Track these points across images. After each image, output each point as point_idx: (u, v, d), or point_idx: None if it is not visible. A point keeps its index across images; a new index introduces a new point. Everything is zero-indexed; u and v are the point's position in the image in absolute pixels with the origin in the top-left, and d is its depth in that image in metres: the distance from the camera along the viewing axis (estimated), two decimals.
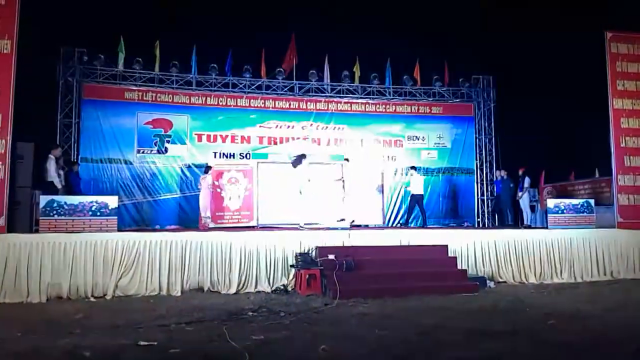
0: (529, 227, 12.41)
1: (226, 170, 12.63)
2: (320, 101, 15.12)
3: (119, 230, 9.01)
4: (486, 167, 15.78)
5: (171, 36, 14.35)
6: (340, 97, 15.25)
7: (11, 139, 8.53)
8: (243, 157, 14.19)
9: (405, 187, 13.69)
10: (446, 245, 9.63)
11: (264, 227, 11.52)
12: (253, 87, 14.62)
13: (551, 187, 15.63)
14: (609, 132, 11.44)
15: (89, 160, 13.16)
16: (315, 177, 11.16)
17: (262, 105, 14.75)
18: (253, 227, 11.88)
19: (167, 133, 13.96)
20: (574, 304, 7.74)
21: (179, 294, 8.40)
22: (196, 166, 13.85)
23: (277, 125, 14.78)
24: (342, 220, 11.16)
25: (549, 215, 10.97)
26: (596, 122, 12.44)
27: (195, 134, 14.19)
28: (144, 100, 13.92)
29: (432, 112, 15.78)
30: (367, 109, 15.45)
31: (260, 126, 14.66)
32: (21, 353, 4.93)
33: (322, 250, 8.86)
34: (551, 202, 11.16)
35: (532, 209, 14.19)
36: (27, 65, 9.09)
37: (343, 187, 11.80)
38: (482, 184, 15.76)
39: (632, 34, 11.73)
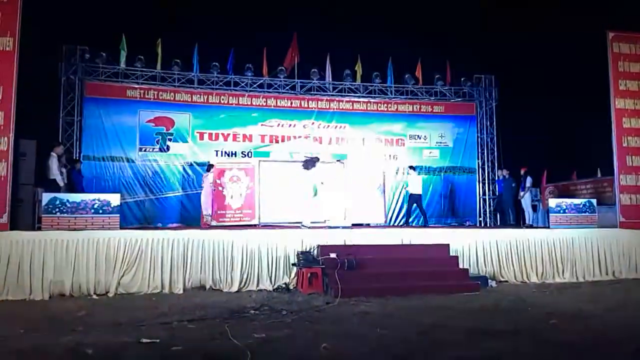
0: (531, 226, 12.40)
1: (228, 168, 12.62)
2: (322, 100, 15.13)
3: (121, 228, 9.01)
4: (488, 166, 15.78)
5: (173, 34, 14.36)
6: (341, 95, 15.25)
7: (13, 136, 8.54)
8: (245, 155, 14.23)
9: (405, 187, 13.69)
10: (448, 245, 9.63)
11: (266, 226, 11.52)
12: (255, 85, 14.63)
13: (553, 187, 15.62)
14: (611, 132, 11.42)
15: (91, 158, 13.19)
16: (326, 178, 11.15)
17: (264, 104, 14.76)
18: (255, 225, 11.88)
19: (169, 131, 13.98)
20: (575, 303, 7.73)
21: (181, 291, 8.42)
22: (198, 164, 13.88)
23: (278, 124, 14.79)
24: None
25: (550, 214, 10.96)
26: (598, 121, 12.42)
27: (197, 132, 14.21)
28: (146, 98, 13.94)
29: (434, 111, 15.78)
30: (368, 108, 15.46)
31: (262, 125, 14.68)
32: (24, 350, 4.94)
33: (324, 249, 8.86)
34: (553, 202, 11.15)
35: (534, 208, 14.17)
36: (29, 63, 9.09)
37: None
38: (483, 184, 15.76)
39: (634, 34, 11.71)
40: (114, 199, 8.84)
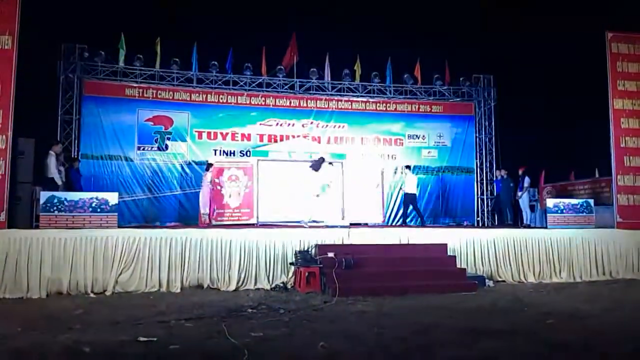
0: (529, 226, 12.43)
1: (226, 167, 12.63)
2: (321, 99, 15.13)
3: (119, 226, 9.02)
4: (486, 166, 15.80)
5: (172, 33, 14.38)
6: (340, 95, 15.26)
7: (12, 134, 8.56)
8: (243, 154, 14.22)
9: (401, 186, 13.71)
10: (445, 244, 9.65)
11: (264, 225, 11.52)
12: (254, 84, 14.62)
13: (551, 187, 15.64)
14: (609, 132, 11.45)
15: (89, 157, 13.17)
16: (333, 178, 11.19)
17: (263, 103, 14.76)
18: (253, 224, 11.88)
19: (168, 130, 13.97)
20: (572, 303, 7.75)
21: (179, 290, 8.43)
22: (196, 163, 13.87)
23: (277, 123, 14.79)
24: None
25: (548, 214, 10.99)
26: (596, 122, 12.45)
27: (196, 131, 14.20)
28: (145, 97, 13.92)
29: (433, 110, 15.78)
30: (367, 108, 15.46)
31: (260, 124, 14.67)
32: (21, 348, 4.94)
33: (322, 248, 8.88)
34: (551, 202, 11.18)
35: (532, 208, 14.20)
36: (28, 62, 9.10)
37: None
38: (482, 183, 15.78)
39: (633, 34, 11.73)
40: (112, 198, 8.85)
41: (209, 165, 12.13)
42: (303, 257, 8.69)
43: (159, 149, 13.84)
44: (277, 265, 8.99)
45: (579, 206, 11.07)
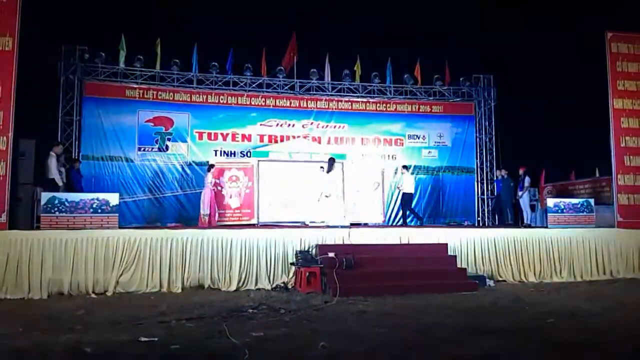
0: (529, 226, 12.43)
1: (227, 168, 12.66)
2: (321, 100, 15.14)
3: (120, 227, 9.03)
4: (486, 166, 15.80)
5: (172, 34, 14.38)
6: (340, 95, 15.26)
7: (13, 136, 8.57)
8: (244, 155, 14.23)
9: (397, 186, 13.73)
10: (446, 244, 9.66)
11: (265, 225, 11.54)
12: (254, 85, 14.63)
13: (551, 187, 15.64)
14: (609, 131, 11.46)
15: (90, 158, 13.19)
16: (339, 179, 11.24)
17: (263, 104, 14.76)
18: (253, 225, 11.90)
19: (168, 131, 13.98)
20: (573, 302, 7.76)
21: (180, 290, 8.44)
22: (197, 164, 13.89)
23: (277, 124, 14.80)
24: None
25: (548, 214, 10.99)
26: (597, 121, 12.46)
27: (196, 132, 14.22)
28: (145, 98, 13.94)
29: (433, 111, 15.79)
30: (367, 108, 15.46)
31: (260, 124, 14.68)
32: (23, 349, 4.94)
33: (322, 248, 8.89)
34: (551, 202, 11.18)
35: (532, 208, 14.19)
36: (28, 63, 9.11)
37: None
38: (482, 183, 15.78)
39: (633, 34, 11.75)
40: (113, 199, 8.86)
41: (211, 166, 12.16)
42: (304, 257, 8.70)
43: (159, 149, 13.86)
44: (277, 265, 9.00)
45: (579, 206, 11.07)
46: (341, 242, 9.34)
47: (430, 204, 15.30)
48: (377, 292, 8.02)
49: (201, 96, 14.37)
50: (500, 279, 9.83)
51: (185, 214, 13.47)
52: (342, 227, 10.04)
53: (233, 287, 8.64)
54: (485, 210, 15.65)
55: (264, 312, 6.81)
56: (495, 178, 14.73)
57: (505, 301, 7.82)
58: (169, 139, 13.94)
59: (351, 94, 15.31)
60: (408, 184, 13.00)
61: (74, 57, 13.17)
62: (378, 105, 15.49)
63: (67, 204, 8.54)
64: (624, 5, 13.95)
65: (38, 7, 10.59)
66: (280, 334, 5.56)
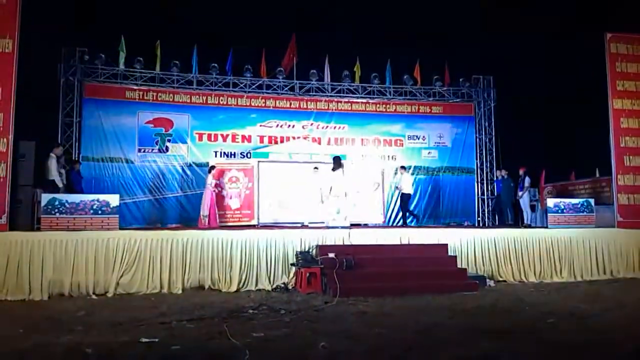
0: (529, 226, 12.43)
1: (227, 169, 12.68)
2: (321, 101, 15.16)
3: (120, 228, 9.04)
4: (486, 166, 15.81)
5: (172, 36, 14.40)
6: (340, 96, 15.28)
7: (13, 137, 8.58)
8: (244, 156, 14.23)
9: (395, 186, 13.74)
10: (446, 244, 9.67)
11: (265, 226, 11.55)
12: (254, 86, 14.64)
13: (551, 187, 15.65)
14: (609, 132, 11.47)
15: (90, 159, 13.20)
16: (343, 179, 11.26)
17: (263, 105, 14.78)
18: (254, 226, 11.92)
19: (168, 132, 14.00)
20: (573, 303, 7.76)
21: (180, 291, 8.45)
22: (197, 165, 13.90)
23: (277, 125, 14.81)
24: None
25: (549, 214, 11.00)
26: (596, 122, 12.47)
27: (196, 133, 14.23)
28: (145, 100, 13.96)
29: (433, 111, 15.81)
30: (367, 109, 15.48)
31: (260, 125, 14.69)
32: (23, 350, 4.95)
33: (323, 249, 8.89)
34: (551, 202, 11.19)
35: (533, 208, 14.19)
36: (28, 64, 9.12)
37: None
38: (482, 184, 15.79)
39: (632, 35, 11.77)
40: (113, 200, 8.87)
41: (211, 167, 12.16)
42: (304, 258, 8.71)
43: (159, 151, 13.87)
44: (278, 266, 9.01)
45: (579, 206, 11.08)
46: (341, 243, 9.34)
47: (431, 204, 15.31)
48: (378, 293, 8.02)
49: (201, 97, 14.39)
50: (501, 279, 9.83)
51: (185, 215, 13.48)
52: (343, 227, 10.05)
53: (233, 288, 8.64)
54: (486, 210, 15.66)
55: (264, 312, 6.81)
56: (495, 178, 14.74)
57: (506, 301, 7.82)
58: (169, 140, 13.95)
59: (351, 95, 15.33)
60: (407, 184, 13.04)
61: (74, 58, 13.19)
62: (378, 106, 15.50)
63: (67, 206, 8.55)
64: (623, 6, 13.96)
65: (38, 9, 10.60)
66: (280, 335, 5.57)
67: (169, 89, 14.15)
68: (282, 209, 12.43)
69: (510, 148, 15.79)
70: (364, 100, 15.42)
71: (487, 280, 9.40)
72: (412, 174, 15.06)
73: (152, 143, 13.83)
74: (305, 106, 15.08)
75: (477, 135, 15.96)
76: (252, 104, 14.71)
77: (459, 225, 14.35)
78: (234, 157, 14.23)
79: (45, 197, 8.59)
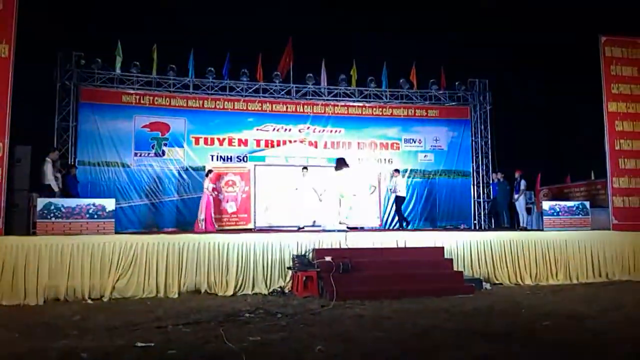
0: (525, 229, 12.47)
1: (223, 173, 12.67)
2: (317, 104, 15.19)
3: (117, 232, 9.02)
4: (482, 169, 15.87)
5: (168, 40, 14.41)
6: (337, 100, 15.32)
7: (9, 142, 8.56)
8: (240, 160, 14.23)
9: (391, 190, 13.75)
10: (442, 247, 9.67)
11: (261, 230, 11.55)
12: (250, 90, 14.67)
13: (547, 190, 15.70)
14: (604, 135, 11.52)
15: (86, 164, 13.18)
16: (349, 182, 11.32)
17: (259, 109, 14.80)
18: (250, 229, 11.91)
19: (165, 136, 13.99)
20: (569, 305, 7.78)
21: (176, 295, 8.42)
22: (193, 169, 13.91)
23: (274, 128, 14.84)
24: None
25: (544, 217, 11.04)
26: (592, 124, 12.53)
27: (193, 137, 14.23)
28: (141, 104, 13.96)
29: (429, 115, 15.87)
30: (364, 112, 15.53)
31: (257, 129, 14.71)
32: (19, 355, 4.93)
33: (319, 252, 8.89)
34: (547, 204, 11.24)
35: (528, 211, 14.25)
36: (24, 69, 9.12)
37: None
38: (478, 187, 15.83)
39: (626, 38, 11.85)
40: (109, 204, 8.85)
41: (209, 171, 12.14)
42: (300, 262, 8.70)
43: (156, 155, 13.86)
44: (274, 269, 8.99)
45: (574, 208, 11.13)
46: (338, 246, 9.34)
47: (427, 207, 15.35)
48: (374, 296, 8.01)
49: (197, 101, 14.40)
50: (497, 281, 9.84)
51: (182, 219, 13.46)
52: (339, 231, 10.05)
53: (230, 292, 8.62)
54: (482, 213, 15.70)
55: (260, 316, 6.80)
56: (491, 181, 14.79)
57: (502, 304, 7.83)
58: (165, 144, 13.95)
59: (347, 99, 15.37)
60: (402, 187, 13.09)
61: (70, 63, 13.20)
62: (374, 109, 15.55)
63: (63, 210, 8.53)
64: (618, 10, 14.06)
65: (34, 14, 10.59)
66: (277, 339, 5.56)
67: (166, 93, 14.16)
68: (278, 213, 12.42)
69: (506, 151, 15.86)
70: (361, 104, 15.46)
71: (484, 283, 9.41)
72: (409, 177, 15.12)
73: (149, 147, 13.83)
74: (301, 110, 15.11)
75: (473, 138, 16.02)
76: (249, 108, 14.73)
77: (456, 228, 14.39)
78: (231, 161, 14.23)
79: (41, 202, 8.57)
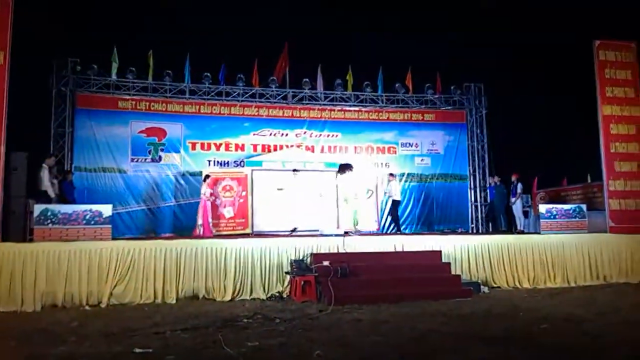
0: (522, 232, 12.49)
1: (220, 178, 12.66)
2: (314, 109, 15.22)
3: (114, 238, 9.00)
4: (479, 173, 15.91)
5: (164, 45, 14.44)
6: (333, 105, 15.35)
7: (5, 149, 8.56)
8: (237, 165, 14.22)
9: (387, 194, 13.77)
10: (440, 251, 9.68)
11: (259, 235, 11.54)
12: (246, 95, 14.69)
13: (544, 193, 15.75)
14: (599, 138, 11.58)
15: (82, 170, 13.16)
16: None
17: (256, 114, 14.82)
18: (248, 234, 11.89)
19: (161, 142, 13.98)
20: (567, 308, 7.79)
21: (174, 301, 8.39)
22: (190, 174, 13.89)
23: (271, 133, 14.85)
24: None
25: (541, 220, 11.06)
26: (587, 128, 12.58)
27: (189, 143, 14.22)
28: (138, 110, 13.95)
29: (425, 119, 15.91)
30: (360, 117, 15.56)
31: (254, 134, 14.73)
32: None
33: (317, 257, 8.88)
34: (543, 208, 11.26)
35: (525, 214, 14.27)
36: (20, 75, 9.12)
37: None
38: (475, 190, 15.87)
39: (620, 42, 11.94)
40: (106, 210, 8.84)
41: (206, 177, 12.13)
42: (298, 266, 8.69)
43: (152, 160, 13.85)
44: (272, 274, 8.97)
45: (571, 211, 11.16)
46: (336, 251, 9.34)
47: (424, 211, 15.36)
48: (372, 300, 8.01)
49: (194, 107, 14.40)
50: (495, 285, 9.85)
51: (179, 225, 13.44)
52: (337, 235, 10.05)
53: (228, 297, 8.60)
54: (479, 217, 15.72)
55: (258, 321, 6.79)
56: (488, 185, 14.81)
57: (500, 307, 7.84)
58: (162, 150, 13.94)
59: (344, 103, 15.40)
60: (397, 191, 13.11)
61: (65, 69, 13.20)
62: (370, 114, 15.59)
63: (60, 216, 8.51)
64: (612, 14, 14.16)
65: (30, 20, 10.61)
66: (275, 344, 5.55)
67: (162, 98, 14.15)
68: (276, 218, 12.41)
69: (503, 155, 15.91)
70: (357, 109, 15.49)
71: (481, 286, 9.42)
72: (406, 181, 15.14)
73: (145, 153, 13.81)
74: (298, 115, 15.13)
75: (470, 142, 16.06)
76: (245, 113, 14.74)
77: (453, 232, 14.40)
78: (228, 166, 14.23)
79: (37, 208, 8.55)
